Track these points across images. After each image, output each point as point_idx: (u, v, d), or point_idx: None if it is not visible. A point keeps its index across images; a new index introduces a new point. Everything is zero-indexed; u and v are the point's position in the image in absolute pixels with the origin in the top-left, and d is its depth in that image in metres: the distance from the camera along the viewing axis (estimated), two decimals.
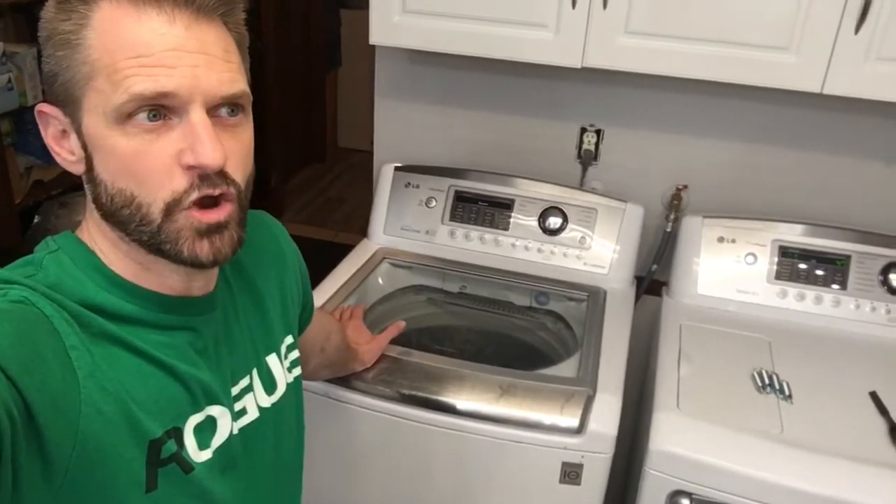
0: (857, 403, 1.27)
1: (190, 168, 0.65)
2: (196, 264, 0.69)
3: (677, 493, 1.19)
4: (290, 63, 4.24)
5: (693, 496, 1.18)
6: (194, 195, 0.66)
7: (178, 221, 0.67)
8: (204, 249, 0.68)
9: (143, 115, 0.64)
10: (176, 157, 0.65)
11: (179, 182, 0.66)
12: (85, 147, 0.67)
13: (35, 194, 2.64)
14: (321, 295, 1.48)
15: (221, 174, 0.67)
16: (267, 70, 3.85)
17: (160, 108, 0.64)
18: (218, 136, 0.66)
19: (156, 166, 0.65)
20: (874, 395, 1.28)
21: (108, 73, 0.63)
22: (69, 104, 0.66)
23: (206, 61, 0.65)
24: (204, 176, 0.66)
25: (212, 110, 0.67)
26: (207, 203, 0.68)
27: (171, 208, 0.66)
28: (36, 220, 2.63)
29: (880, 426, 1.21)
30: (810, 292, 1.51)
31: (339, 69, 4.86)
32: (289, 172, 4.54)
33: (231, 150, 0.68)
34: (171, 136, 0.65)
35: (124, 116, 0.63)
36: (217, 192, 0.67)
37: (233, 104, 0.69)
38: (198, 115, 0.65)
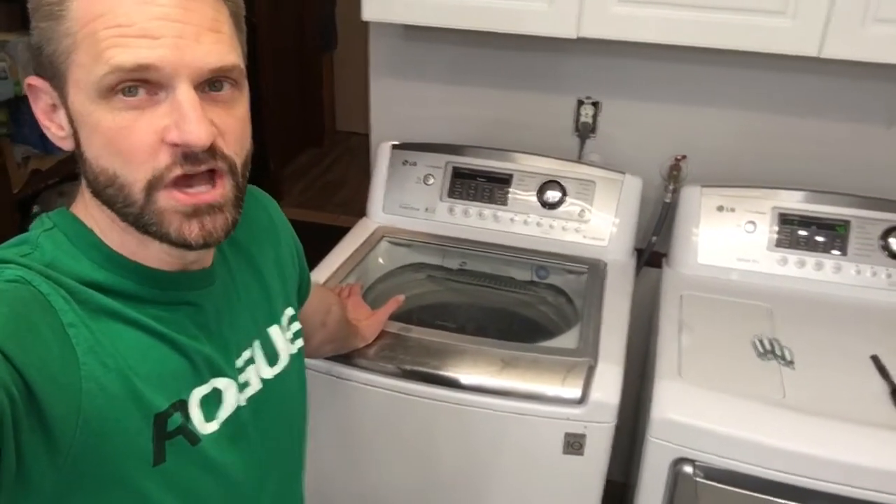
0: (858, 367, 1.27)
1: (175, 146, 0.63)
2: (184, 246, 0.67)
3: (681, 461, 1.19)
4: (285, 46, 4.21)
5: (696, 463, 1.18)
6: (176, 172, 0.64)
7: (160, 202, 0.65)
8: (193, 232, 0.66)
9: (121, 91, 0.62)
10: (161, 133, 0.63)
11: (162, 159, 0.63)
12: (72, 122, 0.66)
13: (33, 184, 2.63)
14: (321, 274, 1.48)
15: (210, 151, 0.65)
16: (262, 53, 3.83)
17: (143, 83, 0.62)
18: (206, 113, 0.64)
19: (140, 144, 0.63)
20: (875, 359, 1.28)
21: (89, 44, 0.61)
22: (55, 77, 0.65)
23: (193, 32, 0.63)
24: (188, 154, 0.64)
25: (201, 85, 0.64)
26: (197, 182, 0.66)
27: (151, 187, 0.64)
28: (35, 210, 2.63)
29: (882, 389, 1.21)
30: (810, 259, 1.51)
31: (336, 52, 4.84)
32: (287, 157, 4.54)
33: (225, 126, 0.67)
34: (156, 112, 0.63)
35: (107, 90, 0.61)
36: (202, 168, 0.65)
37: (223, 78, 0.66)
38: (184, 91, 0.62)
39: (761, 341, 1.31)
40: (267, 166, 4.06)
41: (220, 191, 0.68)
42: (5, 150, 2.50)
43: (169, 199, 0.65)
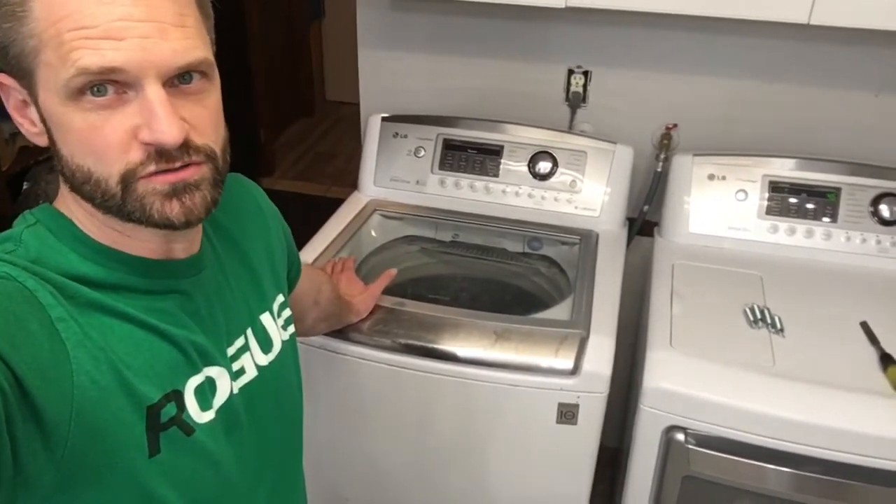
0: (848, 334, 1.28)
1: (147, 144, 0.63)
2: (168, 226, 0.67)
3: (672, 428, 1.21)
4: (272, 15, 4.16)
5: (688, 430, 1.20)
6: (150, 168, 0.64)
7: (138, 190, 0.65)
8: (174, 210, 0.66)
9: (89, 92, 0.61)
10: (132, 131, 0.63)
11: (135, 155, 0.63)
12: (44, 121, 0.65)
13: (22, 160, 2.61)
14: (314, 249, 1.48)
15: (183, 147, 0.65)
16: (249, 24, 3.77)
17: (111, 83, 0.61)
18: (176, 110, 0.63)
19: (112, 141, 0.63)
20: (865, 325, 1.29)
21: (55, 46, 0.60)
22: (23, 77, 0.64)
23: (158, 30, 0.62)
24: (161, 151, 0.64)
25: (170, 80, 0.64)
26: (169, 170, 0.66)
27: (126, 179, 0.64)
28: (25, 186, 2.62)
29: (871, 355, 1.23)
30: (801, 226, 1.52)
31: (324, 21, 4.78)
32: (277, 128, 4.50)
33: (197, 117, 0.66)
34: (126, 111, 0.63)
35: (75, 92, 0.61)
36: (177, 164, 0.65)
37: (192, 71, 0.66)
38: (153, 91, 0.62)
39: (752, 309, 1.32)
40: (257, 138, 4.04)
41: (196, 171, 0.67)
42: None
43: (146, 185, 0.65)
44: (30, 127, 0.68)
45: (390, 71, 1.84)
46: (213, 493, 0.76)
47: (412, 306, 1.33)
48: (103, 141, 0.63)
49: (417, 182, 1.70)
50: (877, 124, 1.60)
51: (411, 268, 1.67)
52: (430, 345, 1.26)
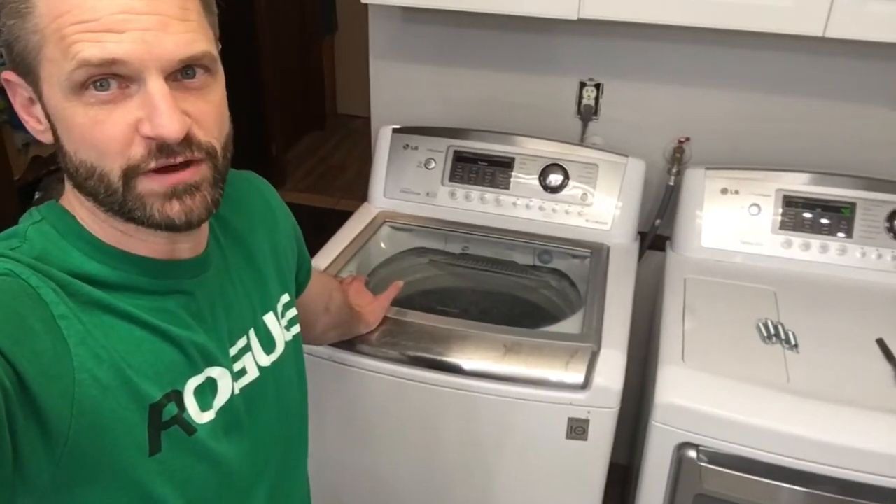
0: (863, 351, 1.26)
1: (149, 138, 0.63)
2: (170, 227, 0.67)
3: (684, 445, 1.19)
4: (284, 29, 4.19)
5: (700, 448, 1.18)
6: (152, 164, 0.64)
7: (138, 187, 0.65)
8: (175, 210, 0.66)
9: (92, 86, 0.61)
10: (134, 125, 0.63)
11: (136, 150, 0.63)
12: (49, 117, 0.66)
13: (34, 170, 2.63)
14: (323, 259, 1.48)
15: (185, 141, 0.64)
16: (261, 37, 3.80)
17: (114, 77, 0.62)
18: (179, 103, 0.64)
19: (114, 135, 0.63)
20: (881, 342, 1.27)
21: (56, 40, 0.61)
22: (28, 74, 0.64)
23: (159, 23, 0.62)
24: (162, 146, 0.64)
25: (173, 74, 0.64)
26: (171, 168, 0.65)
27: (128, 175, 0.64)
28: (37, 196, 2.62)
29: (888, 372, 1.21)
30: (815, 241, 1.50)
31: (337, 35, 4.81)
32: (289, 141, 4.52)
33: (200, 112, 0.66)
34: (129, 105, 0.63)
35: (78, 86, 0.61)
36: (178, 160, 0.65)
37: (195, 65, 0.66)
38: (154, 84, 0.62)
39: (765, 325, 1.30)
40: (269, 151, 4.05)
41: (196, 171, 0.67)
42: (5, 136, 2.50)
43: (147, 184, 0.65)
44: (35, 125, 0.68)
45: (401, 82, 1.84)
46: (211, 493, 0.76)
47: (421, 318, 1.32)
48: (105, 135, 0.63)
49: (427, 194, 1.70)
50: (892, 139, 1.58)
51: (420, 280, 1.66)
52: (439, 357, 1.25)
